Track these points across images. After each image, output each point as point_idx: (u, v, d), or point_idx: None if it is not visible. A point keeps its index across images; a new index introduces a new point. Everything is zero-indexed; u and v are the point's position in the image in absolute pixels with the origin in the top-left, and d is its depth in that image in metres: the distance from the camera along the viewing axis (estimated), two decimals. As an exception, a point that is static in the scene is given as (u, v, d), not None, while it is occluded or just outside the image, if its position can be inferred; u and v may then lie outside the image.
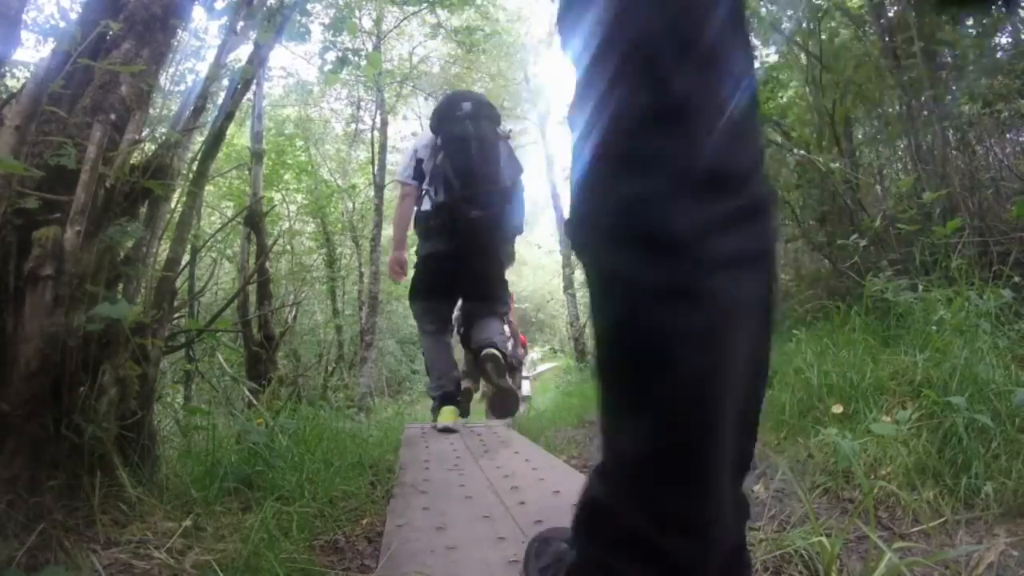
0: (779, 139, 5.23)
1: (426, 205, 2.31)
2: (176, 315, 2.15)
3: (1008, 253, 2.37)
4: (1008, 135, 3.34)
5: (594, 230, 0.49)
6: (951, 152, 3.30)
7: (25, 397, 1.06)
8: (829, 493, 1.42)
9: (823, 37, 4.62)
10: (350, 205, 10.63)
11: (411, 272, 2.57)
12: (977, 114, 3.17)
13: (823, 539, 0.99)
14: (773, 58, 5.50)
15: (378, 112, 9.09)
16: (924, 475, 1.30)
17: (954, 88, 3.39)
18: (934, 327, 1.83)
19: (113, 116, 1.34)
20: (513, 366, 4.19)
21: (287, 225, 9.24)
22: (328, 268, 10.22)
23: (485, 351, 2.27)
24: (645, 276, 0.46)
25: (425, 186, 2.32)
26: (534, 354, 12.41)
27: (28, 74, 1.28)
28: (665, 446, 0.48)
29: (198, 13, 2.26)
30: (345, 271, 10.58)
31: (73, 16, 2.29)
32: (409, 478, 1.60)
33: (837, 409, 1.69)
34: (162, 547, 1.05)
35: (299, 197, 10.06)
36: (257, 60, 2.19)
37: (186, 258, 2.34)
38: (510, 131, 2.43)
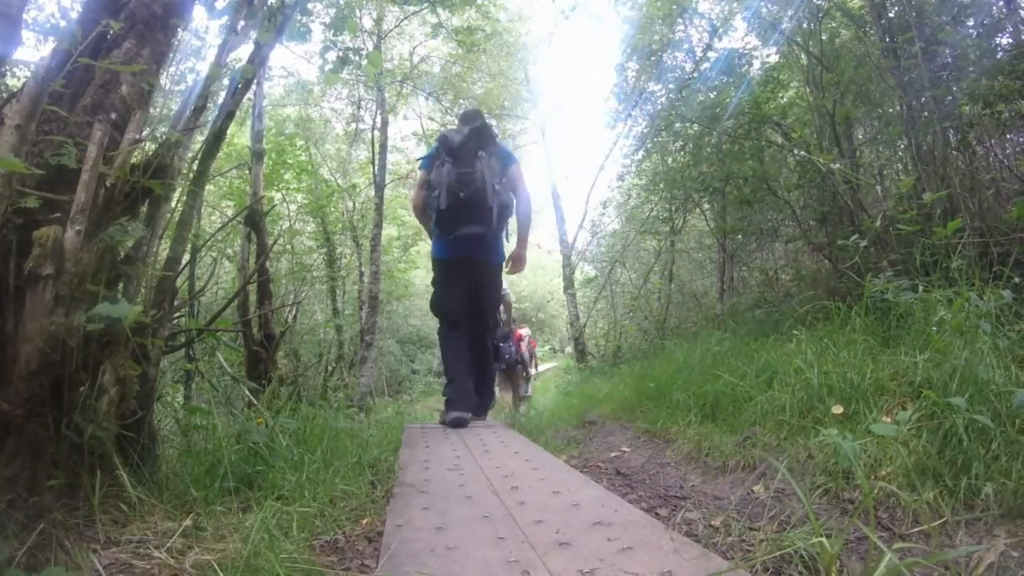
0: (779, 139, 5.23)
1: None
2: (176, 315, 2.15)
3: (1008, 254, 2.36)
4: (1009, 136, 3.34)
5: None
6: (951, 153, 3.29)
7: (25, 396, 1.06)
8: (829, 494, 1.42)
9: (823, 37, 4.62)
10: (350, 205, 10.63)
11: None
12: (978, 115, 3.16)
13: (823, 539, 0.99)
14: (773, 58, 5.50)
15: (378, 112, 9.09)
16: (924, 476, 1.30)
17: (954, 88, 3.38)
18: (934, 328, 1.83)
19: (114, 115, 1.34)
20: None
21: (287, 225, 9.21)
22: (328, 268, 10.21)
23: None
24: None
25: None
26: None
27: (29, 73, 1.28)
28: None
29: (199, 12, 2.26)
30: (345, 271, 10.58)
31: (74, 15, 2.29)
32: (409, 478, 1.60)
33: (837, 410, 1.68)
34: (162, 547, 1.05)
35: (299, 197, 10.03)
36: (258, 59, 2.19)
37: (186, 258, 2.34)
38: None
